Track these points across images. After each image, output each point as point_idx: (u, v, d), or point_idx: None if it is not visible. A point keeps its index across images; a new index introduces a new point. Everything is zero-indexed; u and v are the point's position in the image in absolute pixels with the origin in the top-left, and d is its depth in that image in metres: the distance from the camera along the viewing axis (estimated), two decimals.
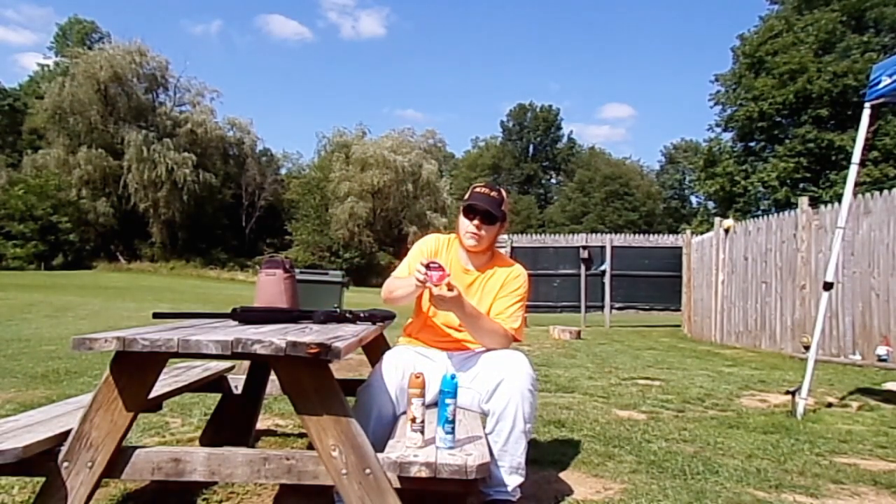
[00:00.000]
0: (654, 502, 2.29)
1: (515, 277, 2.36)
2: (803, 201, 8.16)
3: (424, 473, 1.62)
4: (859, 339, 6.98)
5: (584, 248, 13.43)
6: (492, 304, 2.32)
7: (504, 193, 2.38)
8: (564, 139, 62.71)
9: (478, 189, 2.35)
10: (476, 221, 2.27)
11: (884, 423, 3.81)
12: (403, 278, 2.27)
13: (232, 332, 1.76)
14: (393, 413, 2.06)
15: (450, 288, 2.03)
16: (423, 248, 2.40)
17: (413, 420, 1.75)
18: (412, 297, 2.28)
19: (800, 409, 3.89)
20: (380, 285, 2.62)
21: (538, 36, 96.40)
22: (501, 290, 2.33)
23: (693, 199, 53.95)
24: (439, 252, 2.40)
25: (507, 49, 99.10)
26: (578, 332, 9.95)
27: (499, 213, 2.28)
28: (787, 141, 29.57)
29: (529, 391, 2.05)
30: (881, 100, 3.96)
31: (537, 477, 2.52)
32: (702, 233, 12.25)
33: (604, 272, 13.32)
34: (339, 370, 2.19)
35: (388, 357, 2.20)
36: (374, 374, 2.14)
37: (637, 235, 14.89)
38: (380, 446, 1.76)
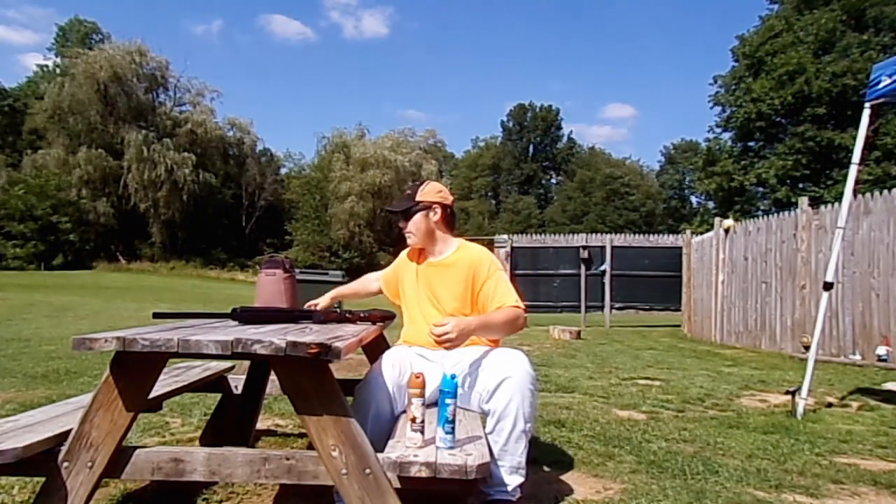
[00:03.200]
0: (654, 502, 2.29)
1: (481, 259, 2.39)
2: (803, 201, 8.15)
3: (424, 473, 1.62)
4: (859, 339, 6.98)
5: (584, 248, 13.42)
6: (478, 292, 2.34)
7: (427, 185, 2.47)
8: (564, 139, 62.70)
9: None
10: (400, 223, 2.45)
11: (884, 423, 3.81)
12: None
13: (232, 332, 1.77)
14: (391, 411, 2.06)
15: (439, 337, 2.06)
16: (403, 255, 2.60)
17: (413, 420, 1.75)
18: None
19: (800, 409, 3.88)
20: None
21: (541, 36, 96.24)
22: (477, 277, 2.35)
23: (693, 199, 54.00)
24: (412, 258, 2.53)
25: (510, 49, 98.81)
26: (578, 332, 9.94)
27: (407, 205, 2.41)
28: (786, 140, 29.58)
29: (530, 390, 2.05)
30: (881, 100, 3.96)
31: (537, 477, 2.52)
32: (702, 233, 12.24)
33: (604, 272, 13.32)
34: (339, 370, 2.20)
35: (386, 355, 2.21)
36: (373, 372, 2.14)
37: (637, 235, 14.87)
38: (377, 445, 1.76)
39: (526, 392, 2.04)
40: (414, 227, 2.41)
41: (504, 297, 2.30)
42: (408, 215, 2.41)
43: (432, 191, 2.45)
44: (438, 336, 2.02)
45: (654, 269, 13.23)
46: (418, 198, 2.42)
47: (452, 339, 2.02)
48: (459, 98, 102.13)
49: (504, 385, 2.05)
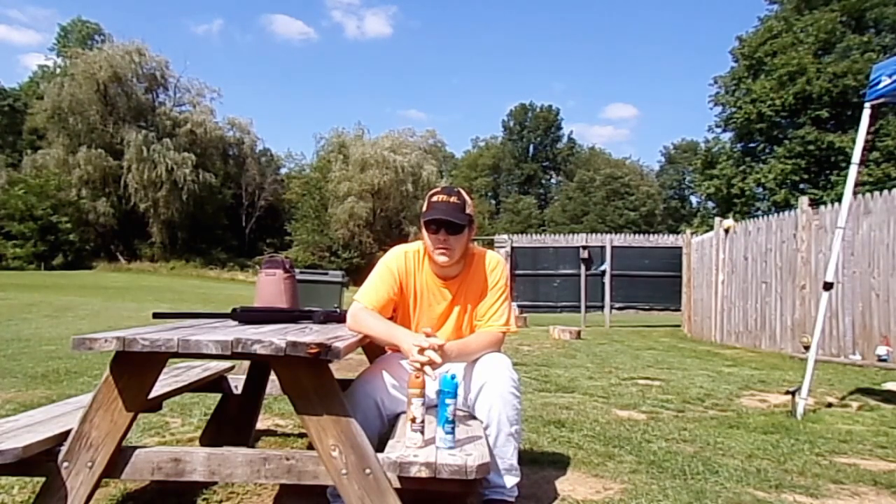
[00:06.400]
0: (654, 502, 2.29)
1: (493, 270, 2.26)
2: (803, 201, 8.15)
3: (424, 473, 1.62)
4: (859, 339, 6.98)
5: (584, 248, 13.43)
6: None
7: (465, 195, 2.21)
8: (564, 139, 62.76)
9: (435, 198, 2.16)
10: (441, 234, 2.10)
11: (884, 423, 3.81)
12: (379, 323, 2.08)
13: (232, 332, 1.77)
14: (378, 415, 2.05)
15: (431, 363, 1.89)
16: (393, 269, 2.21)
17: (413, 420, 1.75)
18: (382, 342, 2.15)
19: (800, 409, 3.88)
20: None
21: (543, 36, 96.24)
22: (485, 287, 2.25)
23: (693, 199, 54.03)
24: (410, 272, 2.23)
25: (512, 49, 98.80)
26: (578, 332, 9.95)
27: (463, 218, 2.12)
28: (786, 142, 29.56)
29: (511, 394, 2.05)
30: (881, 100, 3.96)
31: (537, 477, 2.52)
32: (702, 233, 12.24)
33: (604, 272, 13.32)
34: (339, 370, 2.19)
35: (372, 372, 2.19)
36: (360, 381, 2.13)
37: (637, 235, 14.90)
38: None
39: (507, 396, 2.03)
40: (458, 244, 2.14)
41: (495, 320, 2.21)
42: (458, 228, 2.11)
43: (471, 205, 2.19)
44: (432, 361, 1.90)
45: (654, 269, 13.24)
46: (468, 210, 2.16)
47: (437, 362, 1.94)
48: (460, 98, 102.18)
49: (484, 391, 2.05)
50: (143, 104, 41.15)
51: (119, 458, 1.68)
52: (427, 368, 1.86)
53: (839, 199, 4.86)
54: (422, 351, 1.89)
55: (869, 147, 4.00)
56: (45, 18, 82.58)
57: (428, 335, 1.97)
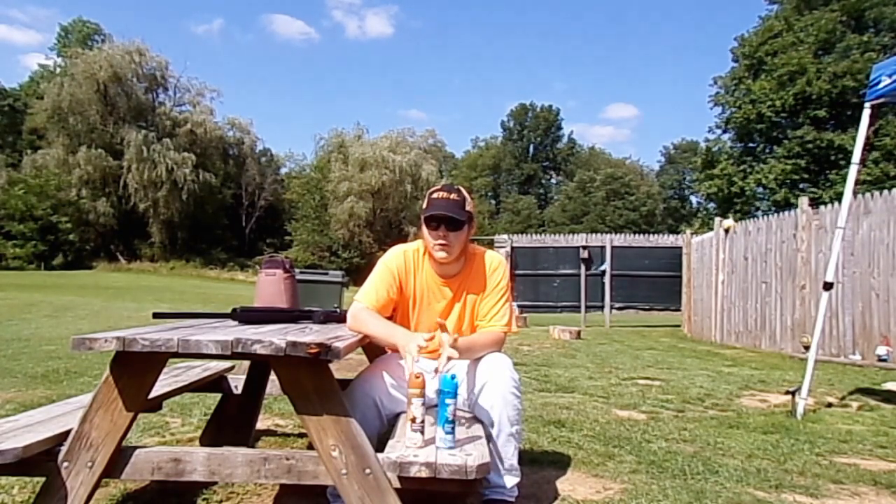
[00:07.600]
0: (654, 502, 2.29)
1: (495, 270, 2.27)
2: (803, 201, 8.15)
3: (424, 473, 1.62)
4: (859, 339, 6.98)
5: (584, 248, 13.43)
6: (478, 302, 2.26)
7: (465, 192, 2.22)
8: (564, 139, 62.76)
9: (435, 195, 2.18)
10: (441, 231, 2.12)
11: (884, 423, 3.81)
12: (379, 323, 2.08)
13: (232, 332, 1.77)
14: (378, 415, 2.05)
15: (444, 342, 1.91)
16: (392, 269, 2.22)
17: (413, 420, 1.75)
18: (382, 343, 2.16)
19: (800, 409, 3.88)
20: None
21: (543, 36, 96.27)
22: (486, 287, 2.25)
23: (693, 199, 54.03)
24: (409, 272, 2.24)
25: (513, 49, 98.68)
26: (578, 332, 9.95)
27: (463, 215, 2.14)
28: (786, 142, 29.57)
29: (512, 394, 2.05)
30: (881, 100, 3.96)
31: (537, 477, 2.52)
32: (702, 233, 12.24)
33: (604, 272, 13.33)
34: (339, 370, 2.19)
35: (374, 369, 2.19)
36: (357, 380, 2.13)
37: (637, 235, 14.91)
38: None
39: (508, 396, 2.03)
40: (457, 241, 2.14)
41: (497, 319, 2.22)
42: (458, 224, 2.13)
43: (471, 202, 2.21)
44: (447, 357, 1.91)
45: (654, 269, 13.25)
46: (467, 207, 2.17)
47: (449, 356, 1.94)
48: (460, 98, 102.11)
49: (485, 391, 2.06)
50: (143, 104, 41.12)
51: (119, 458, 1.68)
52: (424, 364, 1.84)
53: (839, 199, 4.86)
54: (422, 349, 1.89)
55: (869, 147, 4.00)
56: (46, 18, 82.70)
57: (441, 325, 1.98)
